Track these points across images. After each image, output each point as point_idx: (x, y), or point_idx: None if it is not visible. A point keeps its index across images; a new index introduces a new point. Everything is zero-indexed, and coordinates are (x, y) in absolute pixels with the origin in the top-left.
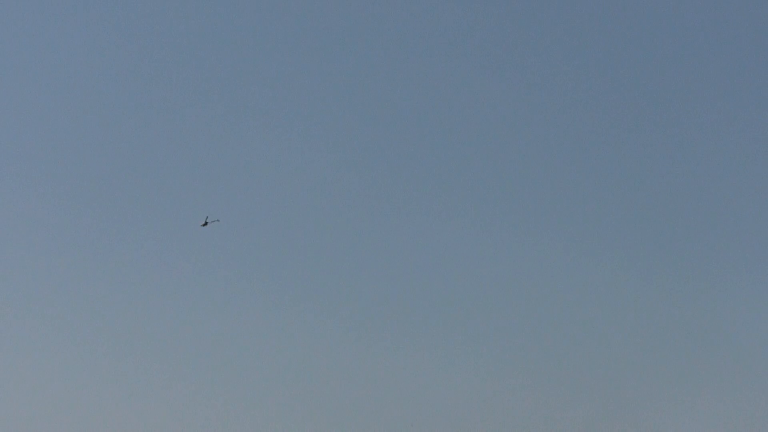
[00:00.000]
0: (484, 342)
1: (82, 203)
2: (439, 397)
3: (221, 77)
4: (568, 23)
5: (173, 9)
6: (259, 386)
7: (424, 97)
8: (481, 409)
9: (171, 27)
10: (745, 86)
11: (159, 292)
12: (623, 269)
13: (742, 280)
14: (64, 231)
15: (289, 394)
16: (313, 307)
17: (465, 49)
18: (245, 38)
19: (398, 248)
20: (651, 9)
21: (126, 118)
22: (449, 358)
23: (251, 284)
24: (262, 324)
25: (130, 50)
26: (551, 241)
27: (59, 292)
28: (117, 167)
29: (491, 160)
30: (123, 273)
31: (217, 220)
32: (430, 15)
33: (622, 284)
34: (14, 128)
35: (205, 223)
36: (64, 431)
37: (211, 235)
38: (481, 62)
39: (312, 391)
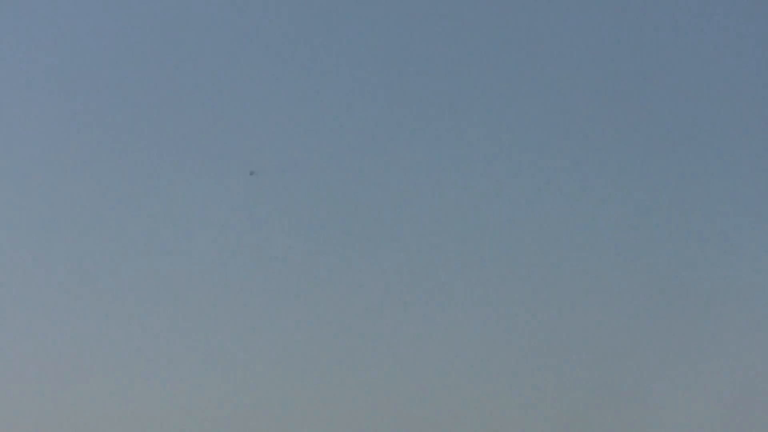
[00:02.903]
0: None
1: (77, 200)
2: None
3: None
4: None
5: (171, 5)
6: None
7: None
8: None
9: (168, 24)
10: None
11: (156, 285)
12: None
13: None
14: (63, 226)
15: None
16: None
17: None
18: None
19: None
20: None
21: (122, 112)
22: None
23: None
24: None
25: (126, 46)
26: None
27: (55, 287)
28: (115, 162)
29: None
30: (120, 270)
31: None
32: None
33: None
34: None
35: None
36: (61, 429)
37: (208, 228)
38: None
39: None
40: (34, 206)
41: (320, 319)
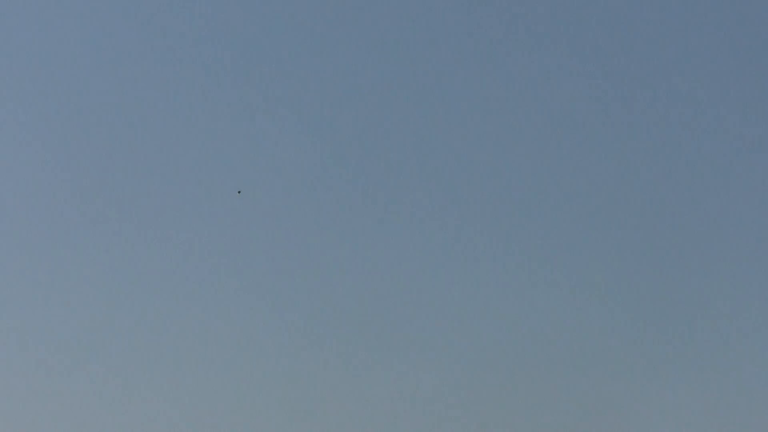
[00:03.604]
0: (470, 346)
1: (76, 197)
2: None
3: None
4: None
5: (171, 5)
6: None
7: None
8: (467, 409)
9: (170, 24)
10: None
11: (154, 290)
12: (613, 274)
13: (733, 284)
14: (63, 223)
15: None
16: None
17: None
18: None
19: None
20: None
21: (123, 112)
22: (434, 365)
23: (245, 281)
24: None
25: (125, 46)
26: (539, 255)
27: (54, 285)
28: (114, 163)
29: (490, 164)
30: (118, 271)
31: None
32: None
33: (612, 289)
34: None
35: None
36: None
37: (209, 233)
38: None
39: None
40: (28, 213)
41: (317, 329)
